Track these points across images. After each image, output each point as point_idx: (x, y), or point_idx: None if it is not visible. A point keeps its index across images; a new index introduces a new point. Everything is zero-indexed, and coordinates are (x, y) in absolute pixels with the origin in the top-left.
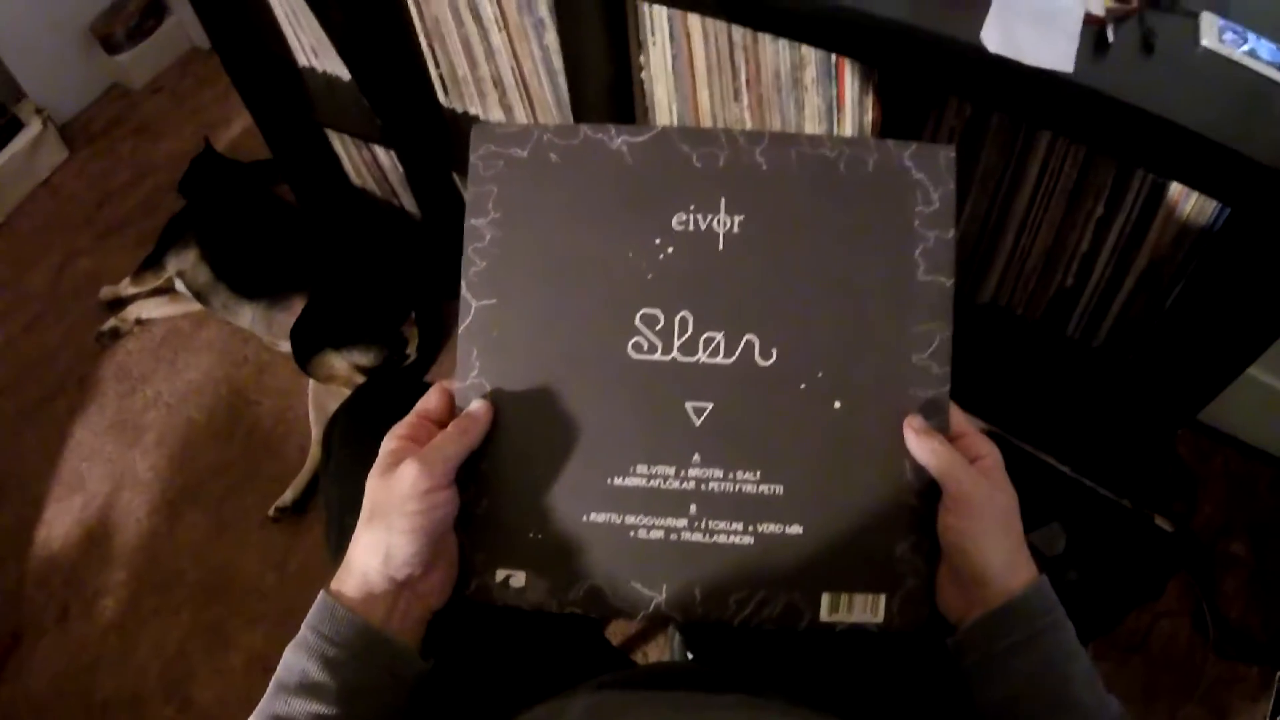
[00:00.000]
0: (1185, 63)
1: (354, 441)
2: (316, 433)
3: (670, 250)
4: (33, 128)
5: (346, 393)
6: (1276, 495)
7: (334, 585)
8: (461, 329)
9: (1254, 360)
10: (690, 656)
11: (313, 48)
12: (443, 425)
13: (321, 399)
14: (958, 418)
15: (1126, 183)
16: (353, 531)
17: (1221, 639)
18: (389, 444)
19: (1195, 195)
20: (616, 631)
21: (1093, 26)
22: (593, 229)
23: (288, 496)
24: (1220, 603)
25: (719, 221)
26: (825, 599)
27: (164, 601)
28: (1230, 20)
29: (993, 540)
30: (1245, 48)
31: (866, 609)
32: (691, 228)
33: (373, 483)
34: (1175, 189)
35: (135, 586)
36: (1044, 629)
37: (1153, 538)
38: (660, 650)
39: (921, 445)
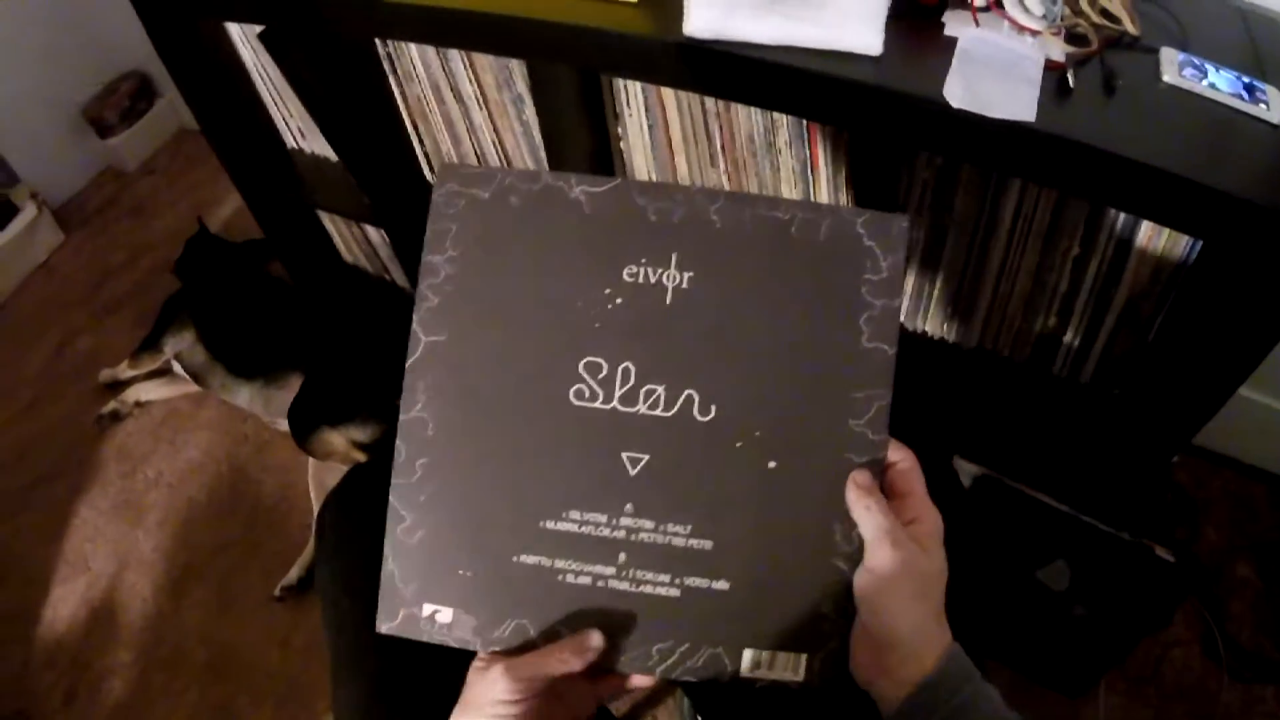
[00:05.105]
0: (1148, 100)
1: (345, 525)
2: (318, 509)
3: (619, 301)
4: (28, 212)
5: (346, 470)
6: (1277, 513)
7: None
8: (410, 362)
9: (1241, 384)
10: None
11: (300, 130)
12: None
13: (321, 476)
14: (910, 478)
15: (1099, 222)
16: (349, 614)
17: (1235, 663)
18: None
19: (1167, 230)
20: (625, 698)
21: (1054, 72)
22: (545, 274)
23: (293, 575)
24: (1230, 626)
25: (669, 276)
26: (748, 655)
27: (171, 681)
28: (1190, 53)
29: (905, 604)
30: (1206, 81)
31: (788, 667)
32: (641, 280)
33: (472, 674)
34: (1148, 225)
35: (142, 666)
36: (962, 704)
37: (1155, 568)
38: (670, 715)
39: (858, 502)
